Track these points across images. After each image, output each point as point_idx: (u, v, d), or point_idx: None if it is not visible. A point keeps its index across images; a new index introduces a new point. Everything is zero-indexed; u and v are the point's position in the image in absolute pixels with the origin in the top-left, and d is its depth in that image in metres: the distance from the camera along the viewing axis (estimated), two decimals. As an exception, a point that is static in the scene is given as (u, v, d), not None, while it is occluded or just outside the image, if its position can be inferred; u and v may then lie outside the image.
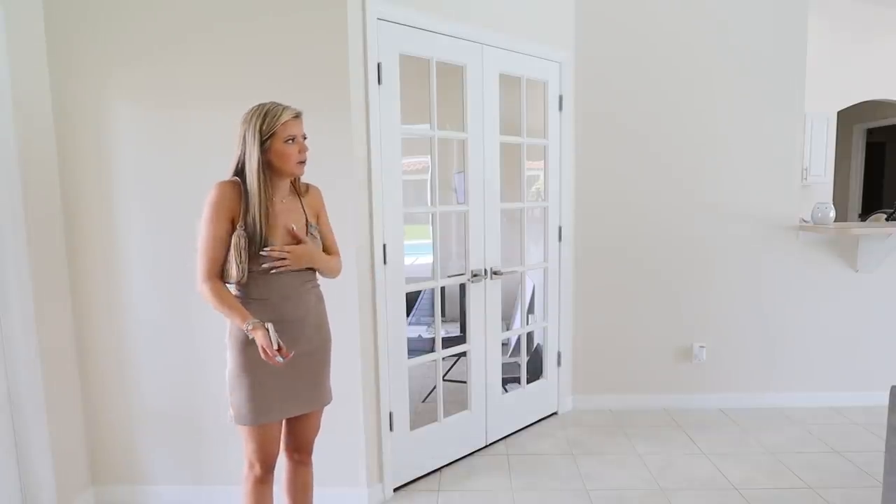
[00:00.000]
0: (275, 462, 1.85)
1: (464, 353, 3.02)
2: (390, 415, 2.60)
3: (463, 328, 3.51)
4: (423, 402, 3.47)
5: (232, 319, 1.70)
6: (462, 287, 3.62)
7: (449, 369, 3.73)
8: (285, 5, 2.29)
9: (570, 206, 3.45)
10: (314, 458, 2.02)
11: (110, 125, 2.38)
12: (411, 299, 4.39)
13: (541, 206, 3.38)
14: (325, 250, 1.92)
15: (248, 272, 1.72)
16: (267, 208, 1.71)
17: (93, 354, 2.50)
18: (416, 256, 4.86)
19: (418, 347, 3.43)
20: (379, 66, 2.43)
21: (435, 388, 2.91)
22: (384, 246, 2.51)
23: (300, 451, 1.95)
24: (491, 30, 2.87)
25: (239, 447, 1.86)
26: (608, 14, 3.38)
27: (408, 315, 3.18)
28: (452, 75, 2.78)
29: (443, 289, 3.06)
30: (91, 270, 2.45)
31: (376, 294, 2.50)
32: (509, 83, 3.04)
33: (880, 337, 3.50)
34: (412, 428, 2.73)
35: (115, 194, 2.41)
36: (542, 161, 3.34)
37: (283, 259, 1.74)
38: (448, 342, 3.06)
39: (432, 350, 2.84)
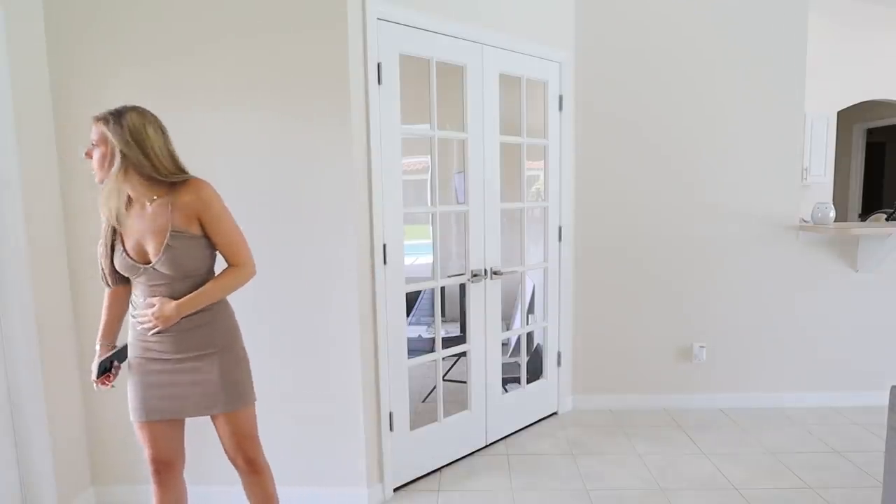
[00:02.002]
0: (168, 464, 1.84)
1: (464, 353, 3.02)
2: (390, 415, 2.60)
3: (463, 328, 3.51)
4: (423, 402, 3.48)
5: None
6: (462, 287, 3.62)
7: (449, 369, 3.73)
8: (285, 5, 2.29)
9: (570, 206, 3.45)
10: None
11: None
12: (411, 299, 4.39)
13: (541, 206, 3.38)
14: (225, 257, 1.78)
15: (121, 279, 1.78)
16: (108, 218, 1.70)
17: (93, 354, 2.49)
18: (416, 256, 4.86)
19: (418, 347, 3.43)
20: (379, 66, 2.43)
21: (435, 388, 2.91)
22: (384, 246, 2.51)
23: (235, 458, 1.87)
24: (491, 30, 2.87)
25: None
26: (608, 14, 3.38)
27: (408, 315, 3.18)
28: (452, 75, 2.78)
29: (443, 289, 3.06)
30: (91, 270, 2.45)
31: (376, 294, 2.50)
32: (509, 83, 3.04)
33: (880, 337, 3.50)
34: (412, 428, 2.73)
35: (115, 194, 2.41)
36: (542, 161, 3.34)
37: (154, 326, 1.72)
38: (448, 342, 3.06)
39: (432, 350, 2.84)
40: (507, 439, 3.19)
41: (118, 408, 2.52)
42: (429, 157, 2.79)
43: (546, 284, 3.42)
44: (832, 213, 3.35)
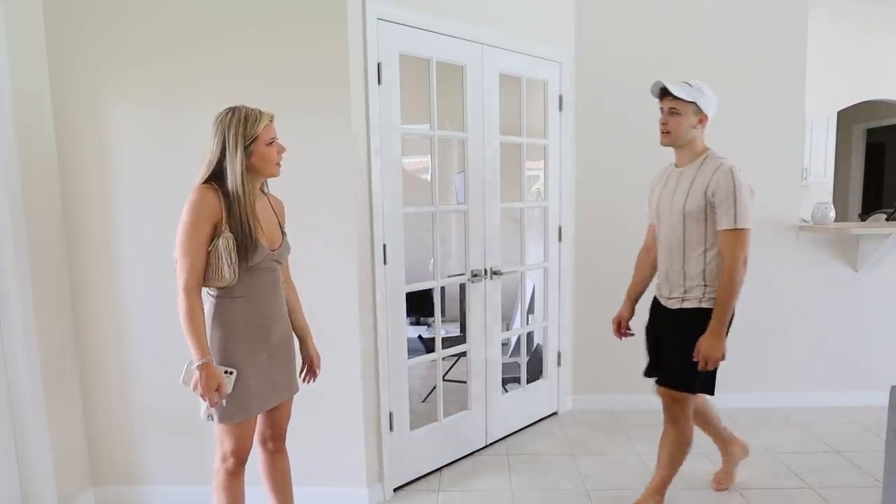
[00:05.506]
0: (248, 455, 1.85)
1: (464, 353, 3.02)
2: (390, 415, 2.60)
3: (463, 328, 3.51)
4: (423, 402, 3.48)
5: (192, 346, 1.65)
6: (462, 287, 3.62)
7: (449, 369, 3.73)
8: (284, 5, 2.29)
9: (570, 206, 3.45)
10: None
11: (111, 125, 2.38)
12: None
13: (541, 206, 3.38)
14: None
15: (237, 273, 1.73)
16: (253, 209, 1.74)
17: (93, 354, 2.50)
18: (415, 256, 4.85)
19: (418, 347, 3.43)
20: (379, 66, 2.43)
21: (435, 388, 2.91)
22: (384, 246, 2.51)
23: (275, 439, 1.97)
24: (491, 30, 2.87)
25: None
26: (608, 13, 3.38)
27: (408, 315, 3.18)
28: (452, 75, 2.78)
29: (443, 289, 3.06)
30: (91, 270, 2.45)
31: (376, 294, 2.50)
32: (509, 83, 3.04)
33: (880, 337, 3.50)
34: (412, 428, 2.73)
35: (115, 194, 2.41)
36: (542, 161, 3.35)
37: None
38: (448, 342, 3.06)
39: (432, 350, 2.84)
40: (507, 439, 3.19)
41: (118, 408, 2.52)
42: (429, 157, 2.79)
43: (546, 284, 3.42)
44: (832, 213, 3.35)
